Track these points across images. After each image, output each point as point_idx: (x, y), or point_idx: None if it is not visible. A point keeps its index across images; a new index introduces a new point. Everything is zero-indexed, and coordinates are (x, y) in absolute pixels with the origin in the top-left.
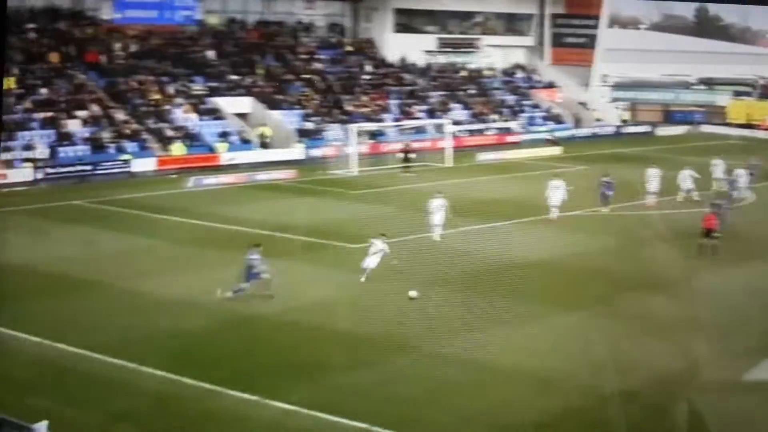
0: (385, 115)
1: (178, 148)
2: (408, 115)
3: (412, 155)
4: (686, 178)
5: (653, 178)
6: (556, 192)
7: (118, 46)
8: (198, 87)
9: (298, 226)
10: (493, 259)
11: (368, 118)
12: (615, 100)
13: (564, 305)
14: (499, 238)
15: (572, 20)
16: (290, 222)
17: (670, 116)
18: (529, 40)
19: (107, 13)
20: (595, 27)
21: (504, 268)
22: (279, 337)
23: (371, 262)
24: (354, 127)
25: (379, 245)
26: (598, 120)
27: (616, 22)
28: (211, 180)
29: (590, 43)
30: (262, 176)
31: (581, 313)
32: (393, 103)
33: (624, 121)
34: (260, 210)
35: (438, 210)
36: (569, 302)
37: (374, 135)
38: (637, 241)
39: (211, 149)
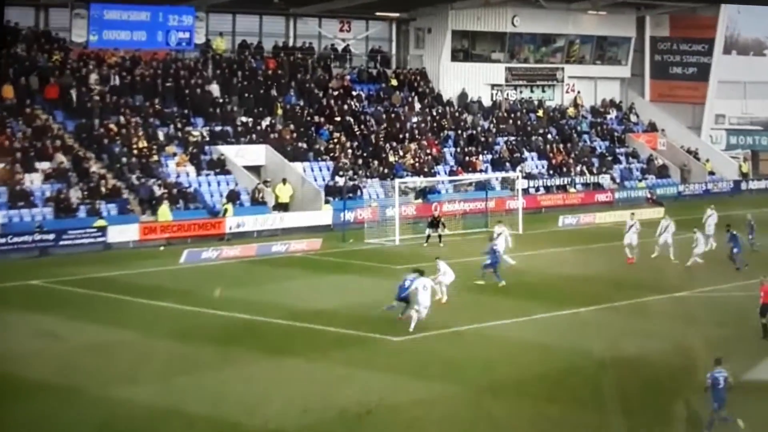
0: (438, 168)
1: (168, 212)
2: (468, 168)
3: (443, 226)
4: None
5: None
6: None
7: (93, 77)
8: (197, 132)
9: (325, 312)
10: (577, 356)
11: (416, 172)
12: (733, 147)
13: (666, 416)
14: (585, 327)
15: (679, 45)
16: (315, 307)
17: None
18: (624, 71)
19: (80, 35)
20: (707, 54)
21: (591, 367)
22: None
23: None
24: (398, 184)
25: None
26: (711, 173)
27: (734, 47)
28: (211, 253)
29: (701, 74)
30: (279, 248)
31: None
32: (449, 151)
33: (744, 174)
34: (275, 292)
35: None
36: (672, 412)
37: (424, 193)
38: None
39: (212, 213)
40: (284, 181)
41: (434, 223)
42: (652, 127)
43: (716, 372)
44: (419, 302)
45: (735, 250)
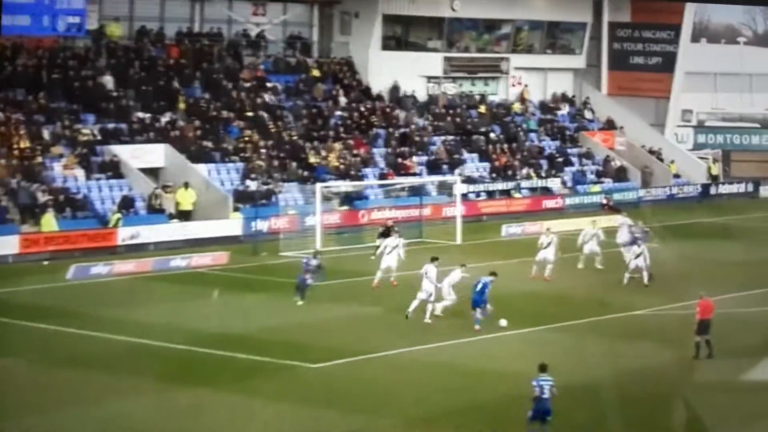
0: (366, 171)
1: (52, 222)
2: (400, 170)
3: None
4: None
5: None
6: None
7: None
8: (87, 130)
9: (234, 337)
10: (521, 382)
11: (341, 175)
12: (701, 146)
13: None
14: (531, 349)
15: (641, 32)
16: (221, 331)
17: None
18: (578, 61)
19: None
20: (673, 42)
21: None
22: None
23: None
24: (320, 188)
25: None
26: (676, 176)
27: (703, 34)
28: (102, 268)
29: (666, 64)
30: (179, 262)
31: None
32: (378, 152)
33: (713, 177)
34: (175, 313)
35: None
36: None
37: (349, 199)
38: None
39: (104, 222)
40: (186, 185)
41: (386, 234)
42: (609, 125)
43: (540, 379)
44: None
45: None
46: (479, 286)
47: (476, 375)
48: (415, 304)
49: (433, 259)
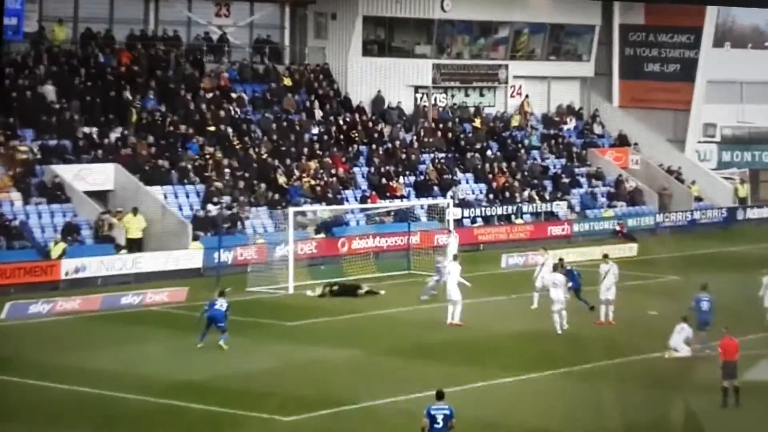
0: (346, 193)
1: None
2: (385, 192)
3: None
4: None
5: None
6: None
7: None
8: (25, 147)
9: (193, 385)
10: None
11: (317, 199)
12: (726, 165)
13: None
14: (536, 397)
15: (657, 36)
16: (178, 378)
17: None
18: (586, 69)
19: None
20: (693, 47)
21: None
22: None
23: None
24: (292, 213)
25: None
26: (698, 199)
27: (727, 37)
28: (42, 306)
29: (686, 72)
30: (131, 299)
31: None
32: (360, 171)
33: (741, 200)
34: (126, 358)
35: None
36: None
37: (327, 226)
38: None
39: (44, 253)
40: (135, 210)
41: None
42: (621, 141)
43: (433, 407)
44: None
45: (572, 286)
46: (705, 305)
47: (473, 427)
48: (557, 319)
49: (555, 268)
